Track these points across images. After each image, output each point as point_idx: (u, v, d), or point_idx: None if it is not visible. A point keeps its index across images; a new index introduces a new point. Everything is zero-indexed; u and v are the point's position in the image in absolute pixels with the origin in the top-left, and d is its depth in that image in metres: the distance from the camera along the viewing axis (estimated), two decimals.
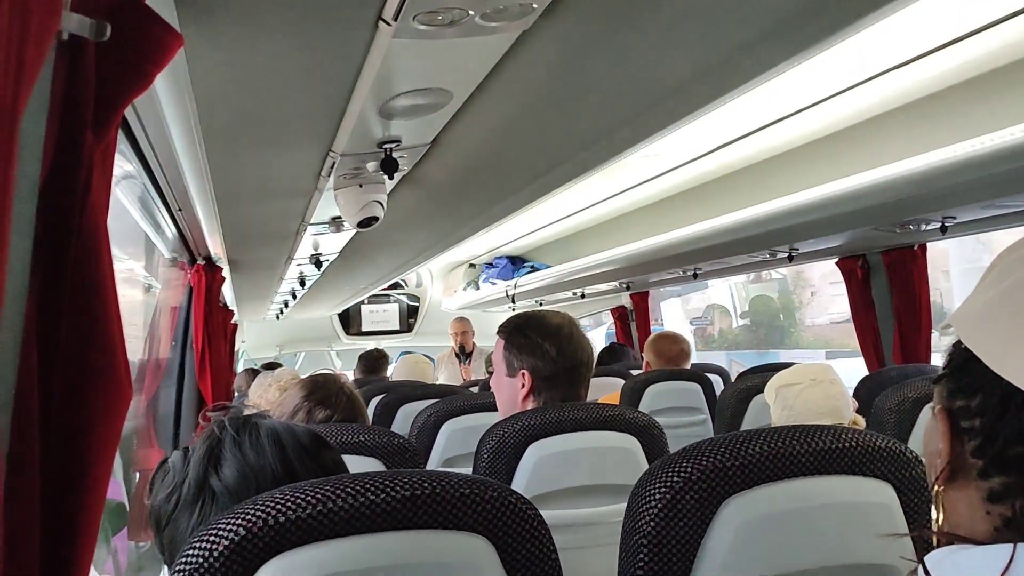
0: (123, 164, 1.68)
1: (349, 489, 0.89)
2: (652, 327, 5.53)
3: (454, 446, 2.41)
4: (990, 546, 0.60)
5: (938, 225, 2.63)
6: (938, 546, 0.65)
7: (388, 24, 0.99)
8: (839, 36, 1.11)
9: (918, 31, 1.73)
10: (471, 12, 0.97)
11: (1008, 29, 1.67)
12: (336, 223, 2.46)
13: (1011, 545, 0.58)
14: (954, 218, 2.57)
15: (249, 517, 0.85)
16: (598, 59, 1.28)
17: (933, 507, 0.67)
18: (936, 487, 0.66)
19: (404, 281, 7.40)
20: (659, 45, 1.24)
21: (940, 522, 0.66)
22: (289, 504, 0.87)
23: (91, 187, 0.66)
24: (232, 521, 0.84)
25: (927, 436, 0.68)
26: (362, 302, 7.41)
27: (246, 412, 1.07)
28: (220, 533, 0.83)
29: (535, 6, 0.99)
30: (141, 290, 3.30)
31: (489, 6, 0.96)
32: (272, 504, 0.86)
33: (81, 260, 0.65)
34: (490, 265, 5.92)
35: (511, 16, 1.01)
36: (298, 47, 1.09)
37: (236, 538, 0.82)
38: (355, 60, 1.14)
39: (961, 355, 0.65)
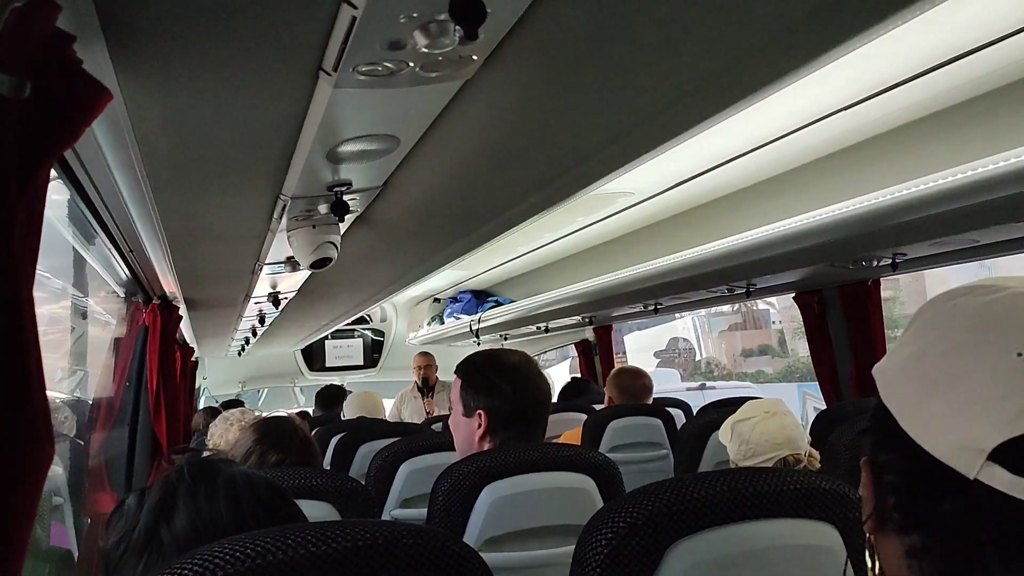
0: (72, 206, 1.66)
1: (290, 541, 0.87)
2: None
3: (412, 486, 2.38)
4: None
5: (889, 261, 2.67)
6: None
7: (329, 74, 0.99)
8: (792, 77, 1.12)
9: (867, 74, 1.77)
10: (411, 64, 0.97)
11: (952, 73, 1.72)
12: (291, 263, 2.44)
13: None
14: (904, 255, 2.61)
15: (185, 573, 0.83)
16: (544, 105, 1.29)
17: (868, 555, 0.68)
18: (868, 535, 0.67)
19: (368, 316, 7.34)
20: (604, 90, 1.25)
21: (876, 570, 0.67)
22: (227, 557, 0.84)
23: (14, 237, 0.65)
24: None
25: (861, 484, 0.69)
26: (326, 337, 7.33)
27: (209, 455, 1.04)
28: None
29: (475, 57, 1.00)
30: (96, 329, 3.24)
31: (428, 59, 0.96)
32: (209, 558, 0.84)
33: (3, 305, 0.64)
34: (454, 300, 5.91)
35: (451, 67, 1.01)
36: (239, 96, 1.09)
37: None
38: (298, 108, 1.14)
39: (883, 410, 0.66)
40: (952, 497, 0.58)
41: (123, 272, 2.39)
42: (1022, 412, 0.56)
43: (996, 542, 0.56)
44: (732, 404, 2.47)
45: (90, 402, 3.09)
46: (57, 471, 2.61)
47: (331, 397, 4.70)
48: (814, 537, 1.10)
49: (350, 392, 4.93)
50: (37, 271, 0.71)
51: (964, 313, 0.63)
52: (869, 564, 0.69)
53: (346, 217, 1.84)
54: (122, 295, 2.97)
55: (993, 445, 0.56)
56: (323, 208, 1.72)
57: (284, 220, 1.83)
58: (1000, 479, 0.56)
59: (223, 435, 2.52)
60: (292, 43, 0.93)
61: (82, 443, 2.96)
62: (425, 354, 6.04)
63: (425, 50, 0.91)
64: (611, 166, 1.50)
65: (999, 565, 0.56)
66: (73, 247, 2.10)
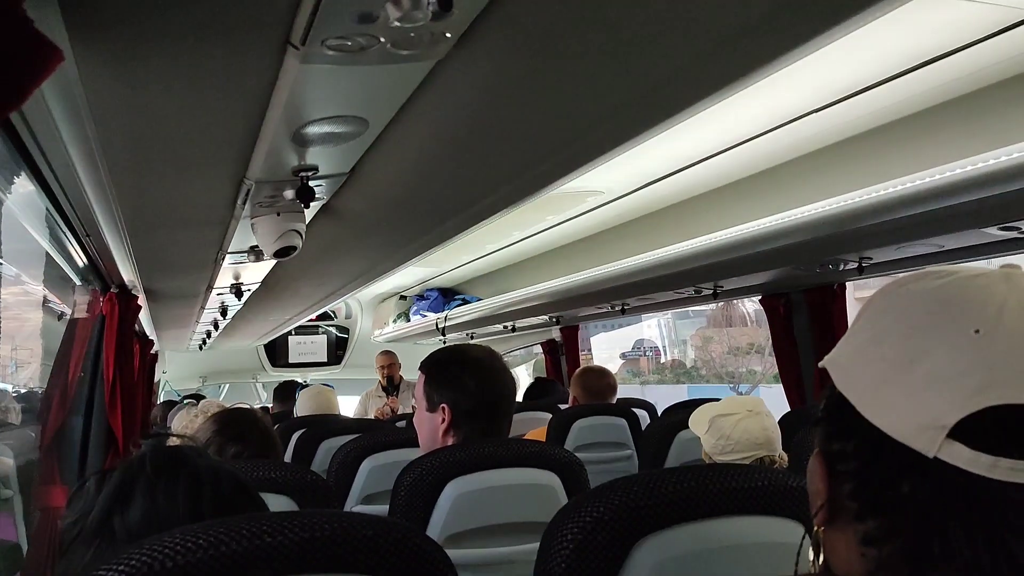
0: (24, 186, 1.61)
1: (244, 531, 0.84)
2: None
3: (375, 482, 2.35)
4: None
5: (855, 265, 2.69)
6: None
7: (296, 48, 0.96)
8: (760, 74, 1.12)
9: (835, 78, 1.78)
10: (381, 39, 0.95)
11: (920, 78, 1.73)
12: (255, 252, 2.40)
13: None
14: (871, 259, 2.64)
15: (134, 563, 0.79)
16: (518, 91, 1.27)
17: (811, 548, 0.68)
18: (816, 528, 0.67)
19: (333, 312, 7.28)
20: (580, 78, 1.23)
21: (820, 563, 0.67)
22: (179, 548, 0.81)
23: None
24: (115, 568, 0.78)
25: (808, 477, 0.69)
26: (289, 333, 7.26)
27: (178, 443, 1.01)
28: None
29: (448, 35, 0.97)
30: (50, 317, 3.16)
31: (400, 34, 0.94)
32: (160, 549, 0.81)
33: None
34: (421, 297, 5.88)
35: (424, 45, 0.99)
36: (201, 70, 1.05)
37: None
38: (264, 84, 1.11)
39: (836, 399, 0.65)
40: (911, 479, 0.58)
41: (80, 258, 2.33)
42: (981, 388, 0.57)
43: (957, 519, 0.56)
44: (695, 405, 2.47)
45: (40, 392, 3.02)
46: (7, 462, 2.55)
47: (289, 391, 4.72)
48: (781, 534, 1.10)
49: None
50: None
51: (919, 296, 0.64)
52: (811, 557, 0.69)
53: (312, 206, 1.81)
54: (78, 282, 2.89)
55: (953, 421, 0.57)
56: (288, 194, 1.69)
57: (248, 206, 1.79)
58: (960, 456, 0.56)
59: (187, 426, 2.48)
60: (259, 12, 0.89)
61: (32, 434, 2.89)
62: (388, 353, 6.02)
63: (397, 23, 0.89)
64: (584, 158, 1.49)
65: (962, 542, 0.56)
66: (25, 228, 2.04)
